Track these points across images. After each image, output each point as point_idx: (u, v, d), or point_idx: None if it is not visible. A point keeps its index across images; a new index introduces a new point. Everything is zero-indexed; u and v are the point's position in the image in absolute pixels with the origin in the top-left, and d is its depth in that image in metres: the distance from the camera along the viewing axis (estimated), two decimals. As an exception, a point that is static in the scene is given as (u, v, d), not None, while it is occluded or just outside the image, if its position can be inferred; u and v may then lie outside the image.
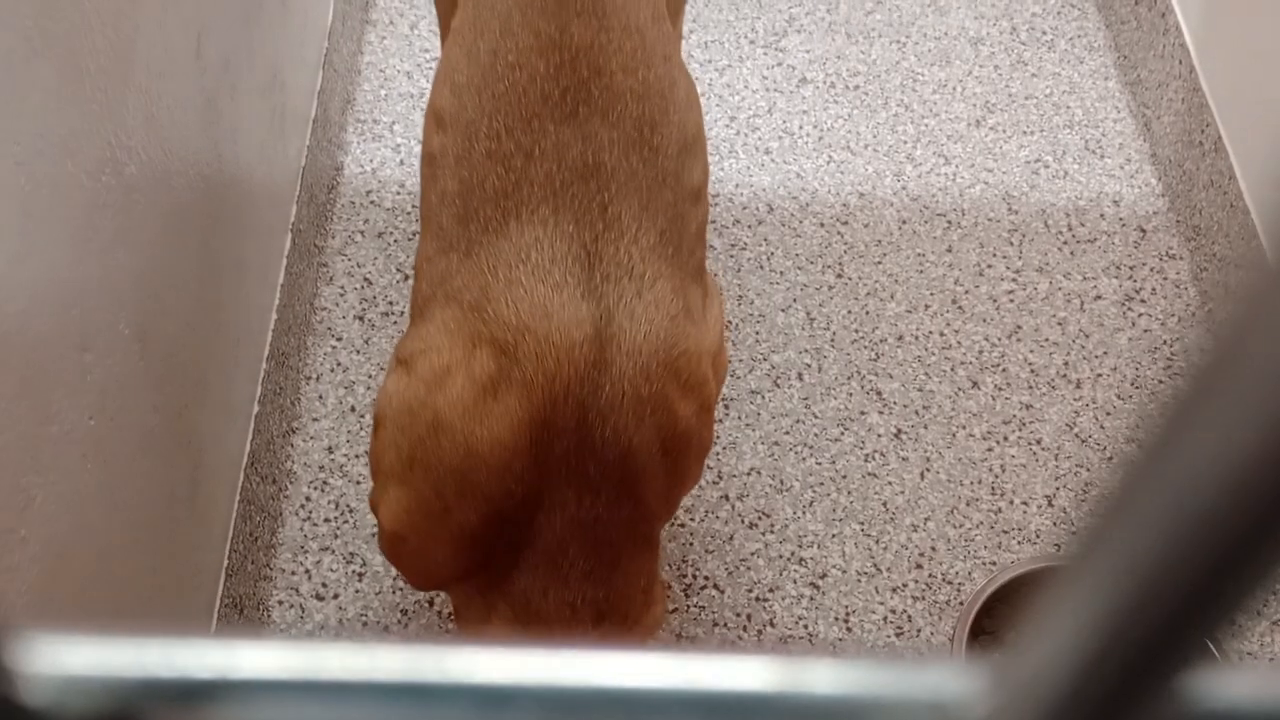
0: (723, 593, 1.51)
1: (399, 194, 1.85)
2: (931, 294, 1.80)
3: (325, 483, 1.57)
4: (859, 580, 1.52)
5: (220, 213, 1.32)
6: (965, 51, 2.11)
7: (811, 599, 1.51)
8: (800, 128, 1.98)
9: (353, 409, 1.63)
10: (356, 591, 1.48)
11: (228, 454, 1.37)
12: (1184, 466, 0.24)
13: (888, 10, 2.17)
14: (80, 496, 0.96)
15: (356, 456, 1.59)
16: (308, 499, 1.55)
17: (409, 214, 1.83)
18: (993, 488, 1.61)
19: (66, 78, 0.91)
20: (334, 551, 1.51)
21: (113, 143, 1.00)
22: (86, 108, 0.95)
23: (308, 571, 1.49)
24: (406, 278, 1.76)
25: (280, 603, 1.47)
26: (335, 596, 1.48)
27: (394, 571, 1.50)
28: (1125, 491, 0.26)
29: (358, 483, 1.57)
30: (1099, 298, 1.80)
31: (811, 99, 2.03)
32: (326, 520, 1.54)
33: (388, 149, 1.90)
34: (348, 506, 1.55)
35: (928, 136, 1.99)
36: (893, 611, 1.50)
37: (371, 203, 1.84)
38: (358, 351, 1.69)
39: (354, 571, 1.50)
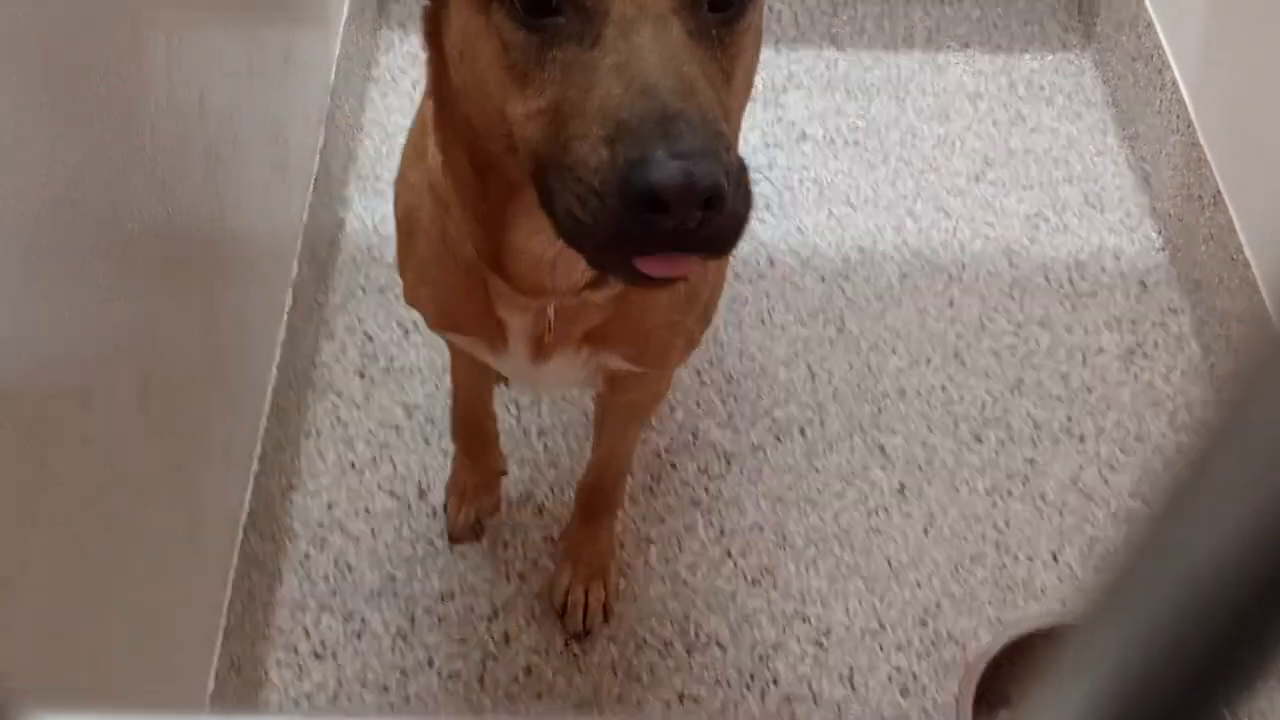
0: (725, 651, 1.49)
1: (401, 250, 1.85)
2: (933, 348, 1.80)
3: (324, 540, 1.56)
4: (863, 638, 1.51)
5: (222, 269, 1.33)
6: (964, 107, 2.13)
7: (815, 657, 1.49)
8: (800, 182, 1.99)
9: (353, 465, 1.63)
10: (355, 651, 1.47)
11: (227, 511, 1.36)
12: (1195, 532, 0.24)
13: (886, 67, 2.19)
14: (78, 555, 0.96)
15: (356, 514, 1.58)
16: (307, 556, 1.54)
17: (410, 270, 1.83)
18: (997, 543, 1.59)
19: (71, 134, 0.91)
20: (333, 610, 1.50)
21: (115, 199, 1.00)
22: (90, 164, 0.95)
23: (306, 630, 1.48)
24: (408, 333, 1.76)
25: (278, 662, 1.45)
26: (334, 656, 1.46)
27: (393, 630, 1.48)
28: (1136, 557, 0.26)
29: (357, 540, 1.56)
30: (1101, 352, 1.80)
31: (811, 154, 2.04)
32: (325, 578, 1.52)
33: (389, 205, 1.91)
34: (347, 564, 1.54)
35: (927, 191, 1.99)
36: (898, 670, 1.48)
37: (373, 259, 1.84)
38: (358, 407, 1.68)
39: (353, 630, 1.48)
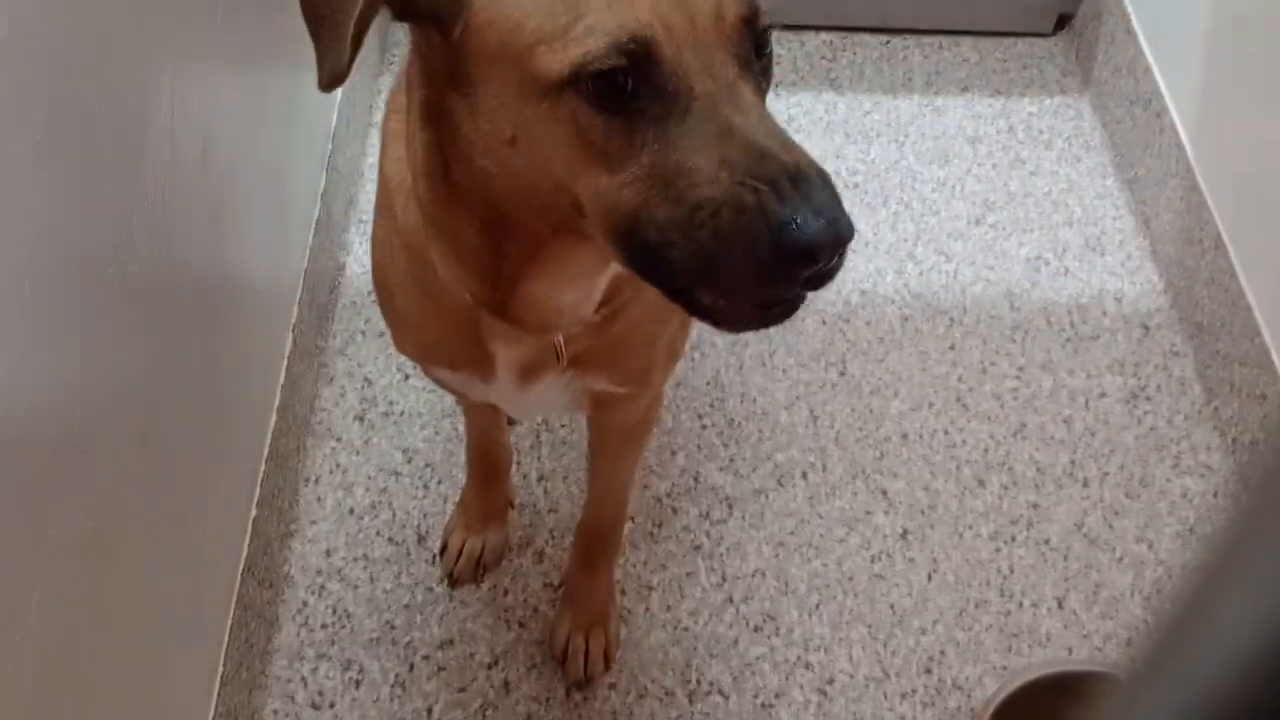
0: (728, 699, 1.47)
1: (401, 293, 1.85)
2: (935, 391, 1.79)
3: (323, 587, 1.54)
4: (867, 686, 1.49)
5: (222, 314, 1.32)
6: (963, 150, 2.14)
7: (819, 706, 1.47)
8: (801, 226, 1.99)
9: (351, 511, 1.61)
10: (353, 700, 1.45)
11: (225, 557, 1.35)
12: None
13: (885, 111, 2.19)
14: (76, 602, 0.94)
15: (355, 560, 1.57)
16: (304, 604, 1.52)
17: (411, 313, 1.83)
18: (1001, 589, 1.58)
19: (74, 184, 0.91)
20: (331, 658, 1.48)
21: (118, 246, 1.00)
22: (93, 213, 0.95)
23: (304, 679, 1.46)
24: (407, 377, 1.75)
25: (275, 712, 1.43)
26: (331, 705, 1.44)
27: (392, 678, 1.46)
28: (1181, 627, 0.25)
29: (355, 587, 1.54)
30: (1104, 395, 1.80)
31: (811, 198, 2.04)
32: (324, 626, 1.51)
33: (390, 248, 1.91)
34: (345, 611, 1.52)
35: (928, 234, 2.00)
36: (902, 719, 1.46)
37: (372, 303, 1.83)
38: (357, 453, 1.67)
39: (351, 679, 1.46)
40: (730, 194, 0.73)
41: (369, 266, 1.86)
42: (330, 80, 0.81)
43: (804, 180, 0.72)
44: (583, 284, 0.94)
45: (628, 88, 0.74)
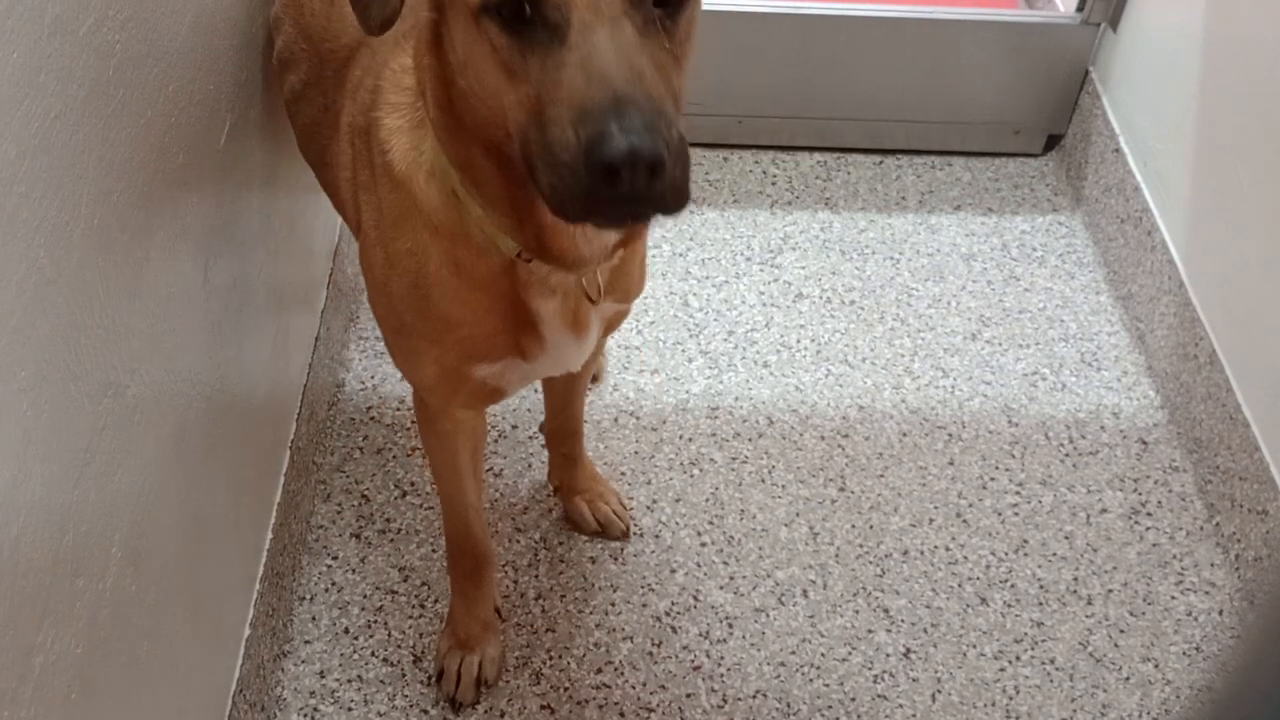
0: (730, 826, 1.43)
1: (399, 410, 1.85)
2: (935, 507, 1.78)
3: (316, 709, 1.51)
4: (872, 811, 1.45)
5: (220, 432, 1.32)
6: (958, 267, 2.16)
7: (823, 832, 1.43)
8: (798, 341, 2.01)
9: (346, 630, 1.59)
10: (345, 827, 1.41)
11: (216, 679, 1.33)
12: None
13: (880, 229, 2.22)
14: (61, 731, 0.92)
15: (349, 681, 1.54)
16: (297, 727, 1.49)
17: (408, 429, 1.82)
18: (1007, 710, 1.55)
19: (76, 305, 0.92)
20: (323, 784, 1.44)
21: (117, 366, 1.00)
22: (94, 333, 0.95)
23: (294, 805, 1.42)
24: (405, 494, 1.74)
25: (264, 840, 1.40)
26: (322, 833, 1.40)
27: (385, 805, 1.42)
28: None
29: (349, 709, 1.51)
30: (1105, 511, 1.79)
31: (808, 313, 2.06)
32: (316, 750, 1.47)
33: (389, 365, 1.91)
34: (339, 735, 1.49)
35: (925, 350, 2.01)
36: (909, 846, 1.42)
37: (371, 419, 1.84)
38: (353, 570, 1.66)
39: (343, 806, 1.43)
40: (561, 133, 0.84)
41: (368, 384, 1.88)
42: (382, 25, 0.97)
43: (627, 105, 0.82)
44: None
45: (525, 13, 0.87)
